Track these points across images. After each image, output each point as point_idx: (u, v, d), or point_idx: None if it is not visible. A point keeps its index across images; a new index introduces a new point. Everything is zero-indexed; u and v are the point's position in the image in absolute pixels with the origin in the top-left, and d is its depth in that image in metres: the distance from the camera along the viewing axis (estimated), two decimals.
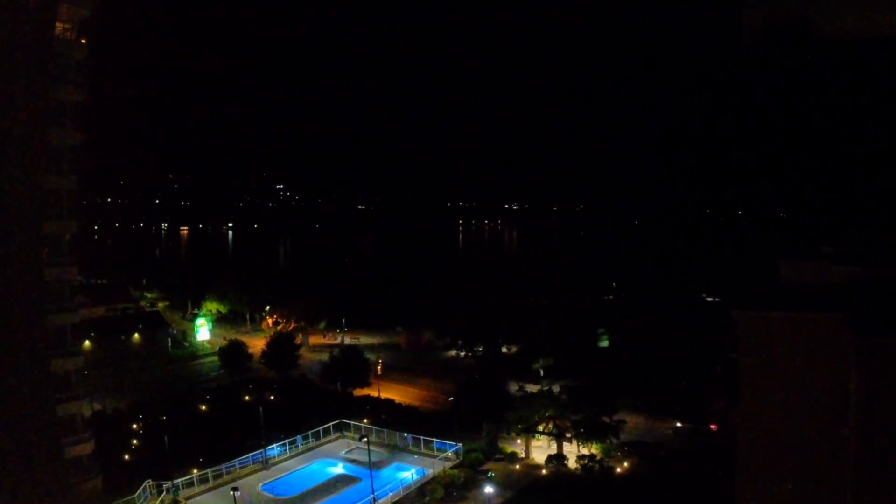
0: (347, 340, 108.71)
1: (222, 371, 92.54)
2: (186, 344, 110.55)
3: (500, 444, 63.69)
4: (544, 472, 59.82)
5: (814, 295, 34.50)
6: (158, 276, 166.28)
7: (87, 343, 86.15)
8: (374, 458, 53.65)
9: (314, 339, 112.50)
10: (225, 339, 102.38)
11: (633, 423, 68.85)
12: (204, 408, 73.79)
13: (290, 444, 60.57)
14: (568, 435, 62.17)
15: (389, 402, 78.50)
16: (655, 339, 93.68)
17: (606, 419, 62.75)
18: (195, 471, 53.30)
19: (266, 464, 57.50)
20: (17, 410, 40.65)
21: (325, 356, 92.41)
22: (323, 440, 62.89)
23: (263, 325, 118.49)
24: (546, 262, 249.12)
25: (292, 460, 59.38)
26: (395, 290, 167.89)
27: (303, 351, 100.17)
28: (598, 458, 60.05)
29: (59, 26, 42.98)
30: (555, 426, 62.33)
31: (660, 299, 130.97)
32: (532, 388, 76.73)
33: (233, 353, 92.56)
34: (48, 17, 41.96)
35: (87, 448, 44.88)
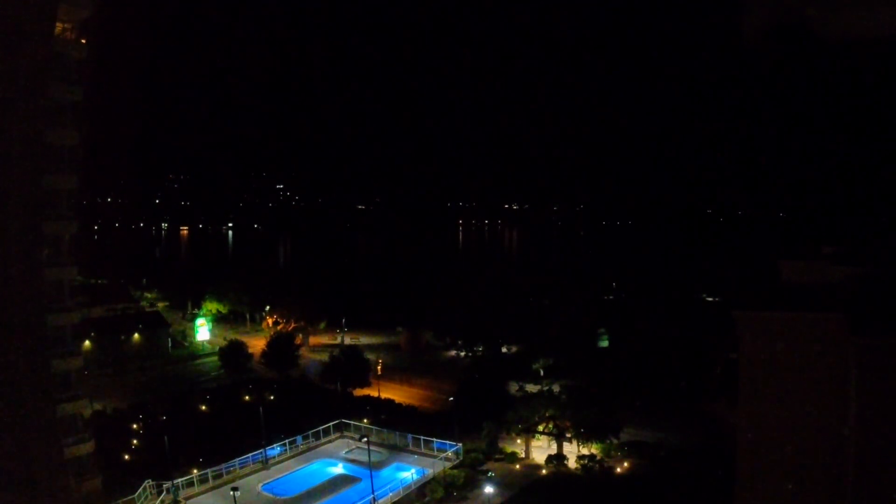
0: (347, 340, 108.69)
1: (222, 371, 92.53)
2: (186, 344, 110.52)
3: (500, 444, 63.66)
4: (544, 472, 59.81)
5: (814, 295, 34.54)
6: (158, 276, 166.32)
7: (87, 343, 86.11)
8: (374, 458, 53.64)
9: (314, 339, 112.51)
10: (225, 339, 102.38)
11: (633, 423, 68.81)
12: (204, 408, 73.77)
13: (290, 444, 60.55)
14: (568, 435, 62.16)
15: (389, 402, 78.50)
16: (655, 339, 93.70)
17: (607, 419, 62.75)
18: (195, 471, 53.28)
19: (266, 464, 57.48)
20: (17, 410, 40.63)
21: (325, 356, 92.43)
22: (323, 440, 62.87)
23: (263, 325, 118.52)
24: (546, 261, 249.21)
25: (292, 460, 59.35)
26: (395, 290, 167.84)
27: (303, 351, 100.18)
28: (598, 458, 60.04)
29: (59, 26, 42.96)
30: (555, 426, 62.32)
31: (660, 299, 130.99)
32: (532, 388, 76.76)
33: (233, 353, 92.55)
34: (48, 17, 41.94)
35: (87, 448, 44.86)
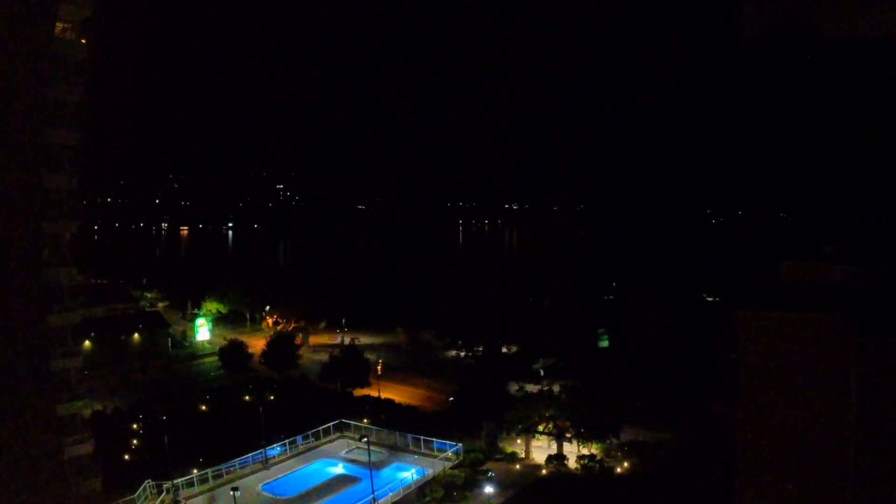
0: (347, 340, 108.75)
1: (222, 371, 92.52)
2: (186, 344, 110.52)
3: (500, 444, 63.68)
4: (544, 472, 59.82)
5: (814, 295, 34.50)
6: (158, 276, 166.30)
7: (87, 343, 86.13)
8: (374, 458, 53.68)
9: (314, 339, 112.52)
10: (225, 339, 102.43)
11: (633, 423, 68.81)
12: (204, 408, 73.77)
13: (290, 444, 60.58)
14: (568, 435, 62.18)
15: (389, 402, 78.50)
16: (655, 339, 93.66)
17: (607, 419, 62.76)
18: (195, 471, 53.33)
19: (266, 464, 57.51)
20: (17, 410, 40.63)
21: (325, 356, 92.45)
22: (323, 440, 62.90)
23: (263, 325, 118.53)
24: (546, 262, 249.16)
25: (292, 460, 59.39)
26: (395, 290, 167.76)
27: (303, 351, 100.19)
28: (598, 458, 60.06)
29: (59, 26, 42.97)
30: (555, 426, 62.33)
31: (660, 299, 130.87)
32: (532, 388, 76.75)
33: (233, 353, 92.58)
34: (48, 17, 41.94)
35: (87, 448, 44.85)
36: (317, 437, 62.74)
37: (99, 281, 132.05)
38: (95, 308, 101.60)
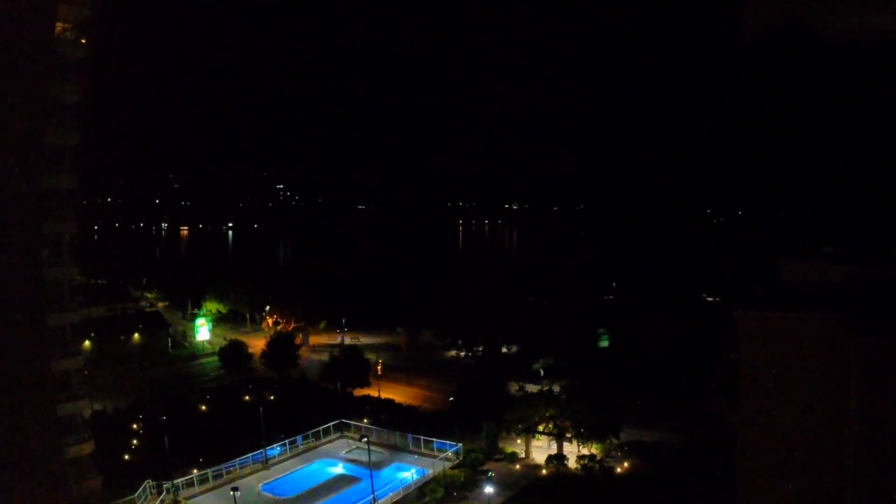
0: (347, 340, 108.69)
1: (222, 371, 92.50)
2: (186, 344, 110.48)
3: (500, 444, 63.62)
4: (544, 472, 59.79)
5: (814, 295, 34.55)
6: (158, 276, 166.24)
7: (87, 343, 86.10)
8: (374, 458, 53.66)
9: (314, 339, 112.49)
10: (225, 339, 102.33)
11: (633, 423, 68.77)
12: (204, 408, 73.74)
13: (290, 444, 60.58)
14: (568, 435, 62.14)
15: (389, 402, 78.47)
16: (655, 339, 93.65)
17: (607, 419, 62.74)
18: (195, 471, 53.31)
19: (266, 464, 57.51)
20: (17, 410, 40.65)
21: (325, 356, 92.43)
22: (323, 440, 62.90)
23: (263, 325, 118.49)
24: (546, 261, 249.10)
25: (292, 460, 59.38)
26: (395, 290, 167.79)
27: (303, 351, 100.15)
28: (598, 458, 60.03)
29: (59, 26, 43.03)
30: (555, 426, 62.30)
31: (660, 299, 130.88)
32: (532, 388, 76.72)
33: (233, 353, 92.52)
34: (48, 17, 41.98)
35: (87, 448, 44.92)
36: (317, 437, 62.74)
37: (99, 281, 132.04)
38: (95, 308, 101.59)
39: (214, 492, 52.58)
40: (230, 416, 68.83)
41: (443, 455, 58.06)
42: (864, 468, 29.11)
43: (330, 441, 63.09)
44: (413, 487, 53.83)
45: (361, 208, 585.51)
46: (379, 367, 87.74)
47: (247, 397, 76.90)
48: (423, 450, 59.84)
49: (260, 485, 54.28)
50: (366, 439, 54.86)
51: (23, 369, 41.14)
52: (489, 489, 53.35)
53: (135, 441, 62.71)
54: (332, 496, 52.90)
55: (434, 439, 60.02)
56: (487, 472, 56.94)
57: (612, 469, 59.57)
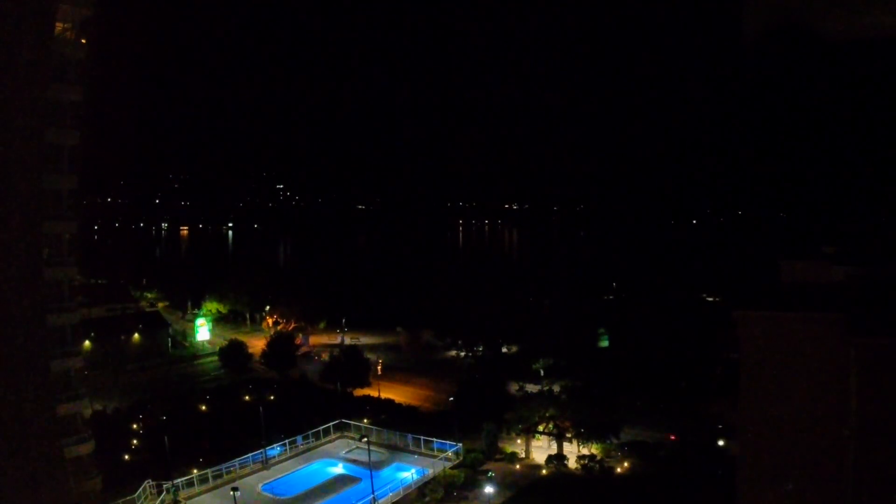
0: (347, 340, 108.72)
1: (222, 371, 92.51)
2: (186, 344, 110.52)
3: (500, 444, 63.64)
4: (544, 472, 59.80)
5: (814, 295, 34.51)
6: (158, 276, 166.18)
7: (87, 343, 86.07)
8: (374, 458, 53.66)
9: (314, 339, 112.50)
10: (225, 339, 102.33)
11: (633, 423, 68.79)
12: (204, 408, 73.77)
13: (290, 444, 60.58)
14: (568, 435, 62.15)
15: (389, 402, 78.48)
16: (655, 339, 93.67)
17: (607, 419, 62.74)
18: (195, 471, 53.31)
19: (266, 464, 57.50)
20: (17, 410, 40.65)
21: (325, 356, 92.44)
22: (323, 440, 62.89)
23: (263, 325, 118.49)
24: (546, 262, 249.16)
25: (292, 460, 59.38)
26: (395, 290, 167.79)
27: (303, 350, 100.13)
28: (598, 458, 60.03)
29: (59, 26, 43.03)
30: (555, 426, 62.31)
31: (660, 299, 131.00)
32: (532, 388, 76.74)
33: (233, 353, 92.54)
34: (48, 16, 41.98)
35: (87, 448, 44.90)
36: (317, 437, 62.73)
37: (99, 281, 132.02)
38: (95, 308, 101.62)
39: (214, 492, 52.58)
40: (230, 416, 68.85)
41: (443, 455, 58.07)
42: (864, 468, 29.09)
43: (330, 441, 63.09)
44: (413, 487, 53.83)
45: (361, 208, 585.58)
46: (379, 367, 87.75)
47: (247, 397, 76.93)
48: (423, 450, 59.83)
49: (260, 485, 54.27)
50: (366, 439, 54.86)
51: (23, 369, 41.14)
52: (489, 489, 53.35)
53: (135, 441, 62.74)
54: (332, 496, 52.90)
55: (434, 439, 60.01)
56: (487, 472, 56.96)
57: (612, 469, 59.56)
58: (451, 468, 56.61)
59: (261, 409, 62.51)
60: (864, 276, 37.09)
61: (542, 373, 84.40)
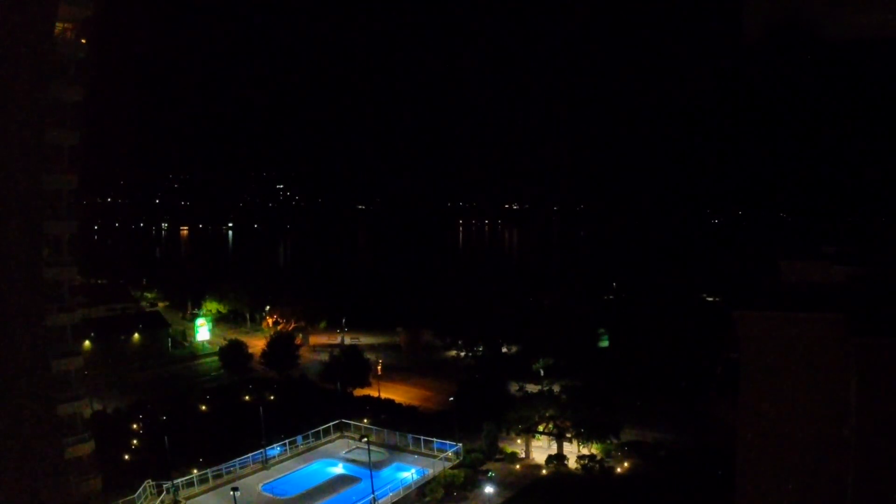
0: (347, 340, 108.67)
1: (222, 371, 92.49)
2: (186, 344, 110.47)
3: (500, 444, 63.63)
4: (544, 472, 59.79)
5: (814, 295, 34.53)
6: (158, 276, 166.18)
7: (87, 343, 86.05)
8: (374, 458, 53.65)
9: (314, 339, 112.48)
10: (225, 339, 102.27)
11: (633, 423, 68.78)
12: (204, 408, 73.73)
13: (290, 444, 60.55)
14: (568, 435, 62.14)
15: (389, 402, 78.45)
16: (655, 339, 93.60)
17: (607, 419, 62.73)
18: (195, 471, 53.29)
19: (266, 464, 57.49)
20: (17, 410, 40.66)
21: (325, 356, 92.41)
22: (323, 440, 62.88)
23: (263, 325, 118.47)
24: (546, 262, 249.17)
25: (292, 460, 59.37)
26: (396, 289, 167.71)
27: (303, 351, 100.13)
28: (598, 458, 60.02)
29: (59, 26, 43.02)
30: (555, 426, 62.31)
31: (660, 299, 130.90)
32: (532, 388, 76.70)
33: (233, 353, 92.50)
34: (48, 16, 41.98)
35: (87, 448, 44.90)
36: (317, 437, 62.71)
37: (99, 281, 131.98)
38: (95, 308, 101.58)
39: (214, 492, 52.56)
40: (230, 416, 68.78)
41: (443, 455, 58.05)
42: (864, 468, 29.09)
43: (330, 441, 63.08)
44: (413, 487, 53.83)
45: (361, 208, 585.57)
46: (379, 367, 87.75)
47: (247, 397, 76.89)
48: (423, 450, 59.81)
49: (260, 485, 54.26)
50: (366, 439, 54.85)
51: (23, 369, 41.14)
52: (489, 489, 53.36)
53: (135, 441, 62.71)
54: (332, 496, 52.89)
55: (434, 439, 60.00)
56: (487, 472, 56.97)
57: (612, 469, 59.56)
58: (451, 468, 56.59)
59: (261, 409, 62.49)
60: (864, 276, 37.12)
61: (542, 373, 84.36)
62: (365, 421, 65.43)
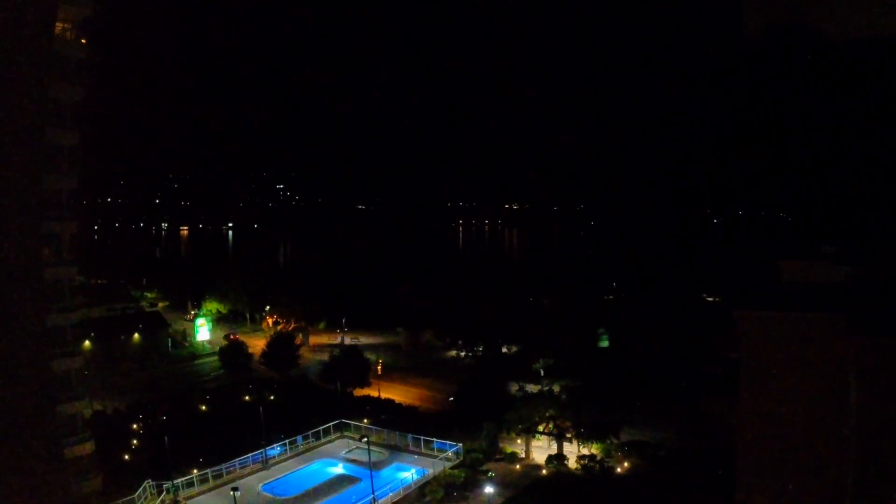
0: (347, 340, 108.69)
1: (222, 371, 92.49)
2: (186, 344, 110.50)
3: (500, 444, 63.64)
4: (544, 472, 59.80)
5: (814, 295, 34.56)
6: (158, 276, 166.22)
7: (87, 343, 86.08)
8: (374, 458, 53.66)
9: (314, 339, 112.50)
10: (225, 339, 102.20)
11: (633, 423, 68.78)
12: (204, 408, 73.76)
13: (290, 444, 60.56)
14: (568, 435, 62.15)
15: (389, 402, 78.46)
16: (655, 339, 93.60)
17: (607, 419, 62.73)
18: (195, 471, 53.28)
19: (266, 464, 57.49)
20: (17, 410, 40.62)
21: (325, 356, 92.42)
22: (323, 440, 62.88)
23: (263, 325, 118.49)
24: (546, 261, 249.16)
25: (292, 460, 59.36)
26: (396, 290, 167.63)
27: (303, 351, 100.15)
28: (599, 458, 60.03)
29: (59, 26, 42.97)
30: (555, 426, 62.30)
31: (660, 299, 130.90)
32: (532, 388, 76.70)
33: (233, 353, 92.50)
34: (48, 16, 41.94)
35: (87, 448, 44.87)
36: (317, 437, 62.72)
37: (99, 281, 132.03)
38: (95, 308, 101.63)
39: (214, 492, 52.55)
40: (230, 416, 68.83)
41: (443, 455, 58.05)
42: (864, 468, 29.11)
43: (330, 441, 63.08)
44: (413, 487, 53.82)
45: (361, 208, 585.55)
46: (379, 367, 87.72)
47: (247, 397, 76.90)
48: (423, 450, 59.80)
49: (260, 485, 54.26)
50: (366, 439, 54.83)
51: (23, 369, 41.10)
52: (489, 489, 53.35)
53: (135, 441, 62.72)
54: (332, 496, 52.88)
55: (434, 439, 60.00)
56: (487, 472, 56.96)
57: (612, 469, 59.56)
58: (451, 468, 56.60)
59: (261, 409, 62.50)
60: (864, 276, 37.14)
61: (542, 373, 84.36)
62: (365, 421, 65.43)
